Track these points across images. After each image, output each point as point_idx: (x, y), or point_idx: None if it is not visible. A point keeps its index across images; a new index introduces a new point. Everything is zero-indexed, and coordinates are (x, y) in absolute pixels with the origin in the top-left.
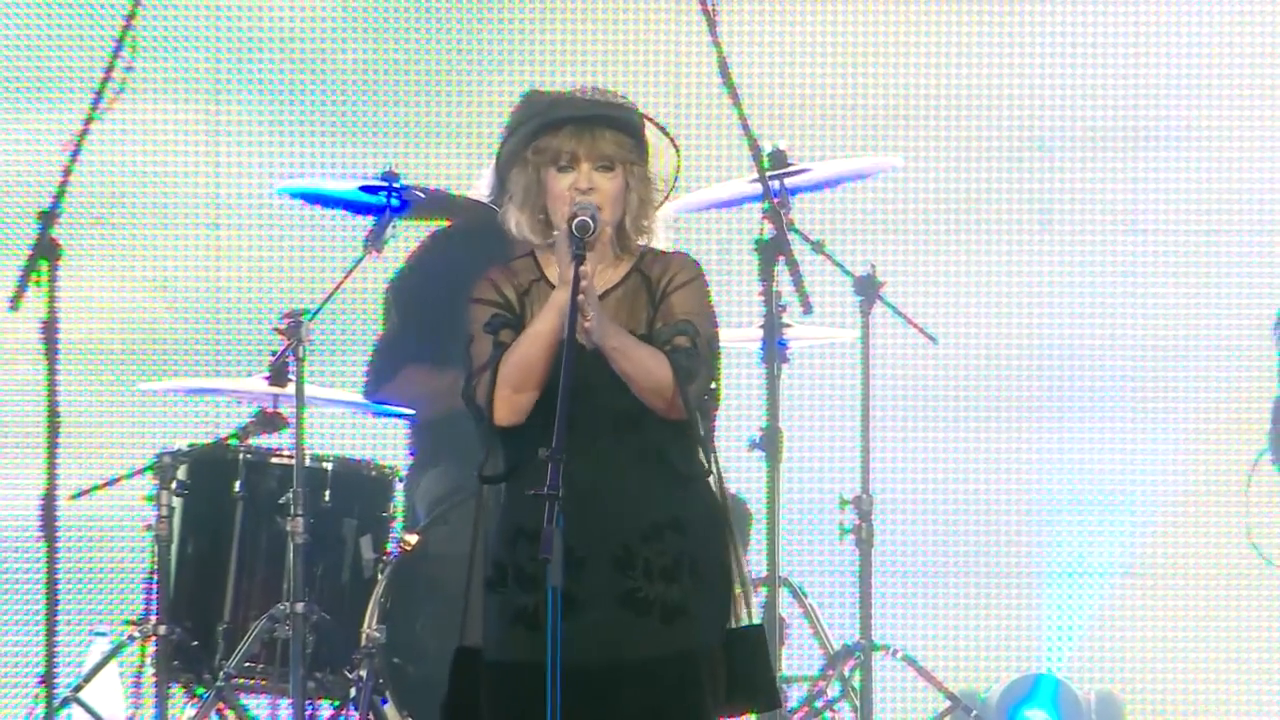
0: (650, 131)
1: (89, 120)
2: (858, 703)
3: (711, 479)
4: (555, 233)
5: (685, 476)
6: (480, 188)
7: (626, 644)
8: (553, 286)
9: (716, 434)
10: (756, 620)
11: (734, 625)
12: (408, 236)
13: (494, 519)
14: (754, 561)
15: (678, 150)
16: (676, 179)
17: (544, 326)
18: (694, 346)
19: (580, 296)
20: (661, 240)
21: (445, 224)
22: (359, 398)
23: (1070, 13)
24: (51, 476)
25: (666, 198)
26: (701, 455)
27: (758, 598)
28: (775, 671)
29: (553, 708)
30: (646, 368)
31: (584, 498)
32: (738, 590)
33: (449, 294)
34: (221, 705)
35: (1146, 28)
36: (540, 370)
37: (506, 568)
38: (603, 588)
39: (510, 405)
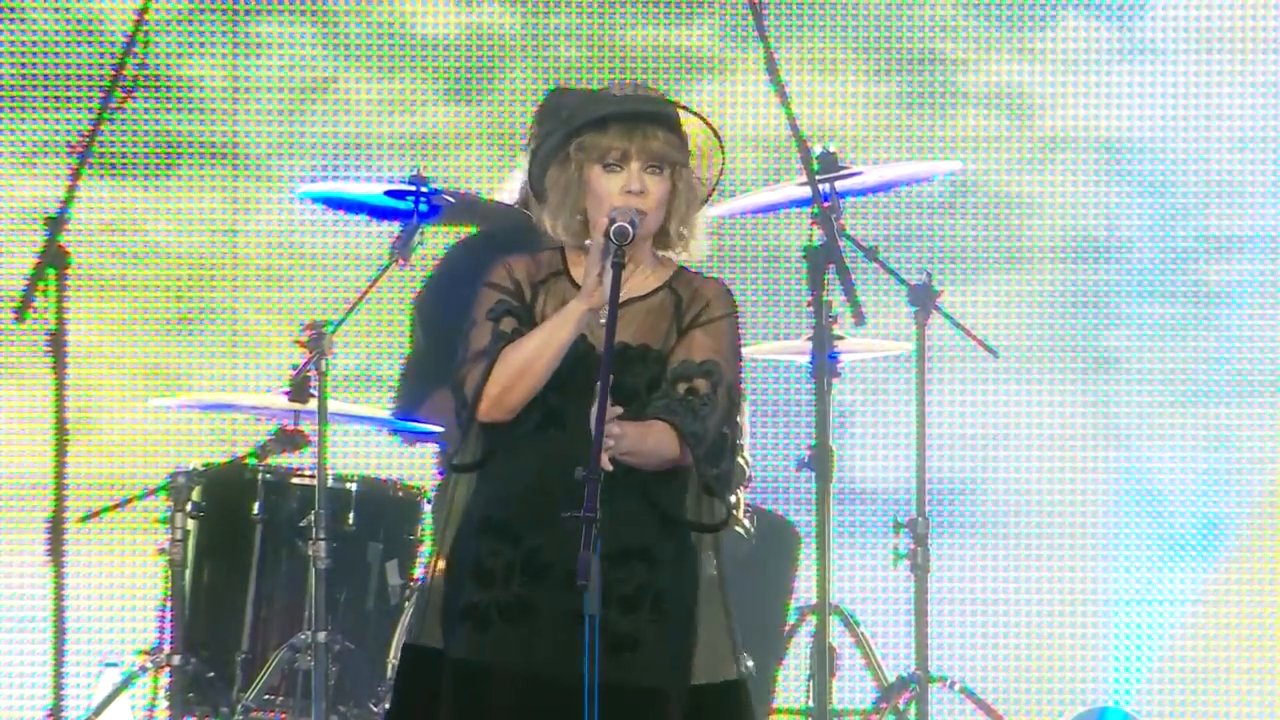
0: (694, 128)
1: (99, 122)
2: None
3: (726, 525)
4: (588, 242)
5: (668, 514)
6: (508, 191)
7: (571, 662)
8: (574, 284)
9: (764, 453)
10: (740, 677)
11: (708, 678)
12: (435, 244)
13: (459, 509)
14: (803, 588)
15: (723, 148)
16: (719, 181)
17: (558, 336)
18: (713, 393)
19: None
20: (701, 248)
21: (473, 230)
22: (384, 414)
23: (1136, 14)
24: (59, 497)
25: (707, 200)
26: (710, 507)
27: (807, 625)
28: None
29: None
30: (658, 456)
31: (562, 506)
32: (720, 639)
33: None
34: None
35: (1207, 28)
36: (539, 376)
37: (465, 562)
38: (559, 600)
39: (495, 404)
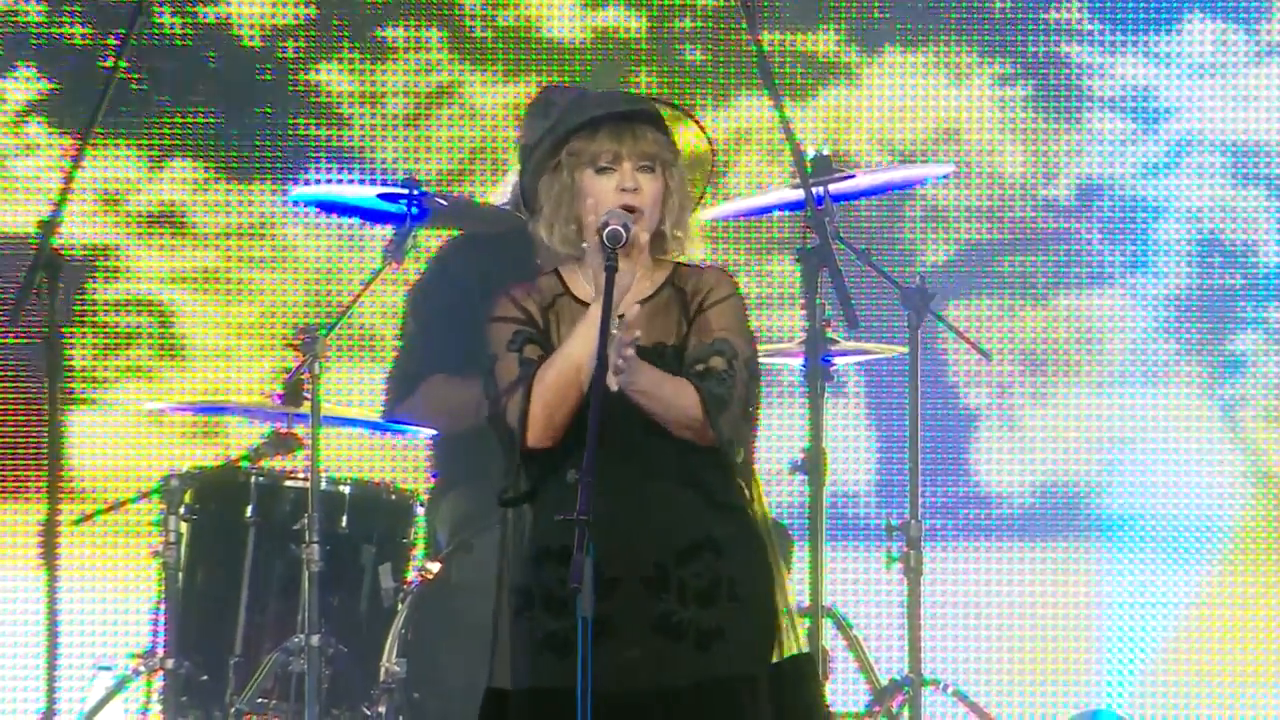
0: (685, 131)
1: (91, 125)
2: None
3: (753, 506)
4: (584, 245)
5: (720, 499)
6: (501, 193)
7: (661, 671)
8: (579, 302)
9: (757, 456)
10: (805, 649)
11: (780, 655)
12: (426, 246)
13: (518, 542)
14: (796, 591)
15: (713, 149)
16: (710, 182)
17: (580, 348)
18: (730, 369)
19: (613, 331)
20: (696, 249)
21: (467, 231)
22: (377, 417)
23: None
24: (53, 500)
25: (700, 201)
26: (740, 482)
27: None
28: (826, 707)
29: None
30: (675, 405)
31: (615, 518)
32: (784, 619)
33: (471, 302)
34: None
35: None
36: (577, 392)
37: (533, 591)
38: (635, 611)
39: (544, 427)
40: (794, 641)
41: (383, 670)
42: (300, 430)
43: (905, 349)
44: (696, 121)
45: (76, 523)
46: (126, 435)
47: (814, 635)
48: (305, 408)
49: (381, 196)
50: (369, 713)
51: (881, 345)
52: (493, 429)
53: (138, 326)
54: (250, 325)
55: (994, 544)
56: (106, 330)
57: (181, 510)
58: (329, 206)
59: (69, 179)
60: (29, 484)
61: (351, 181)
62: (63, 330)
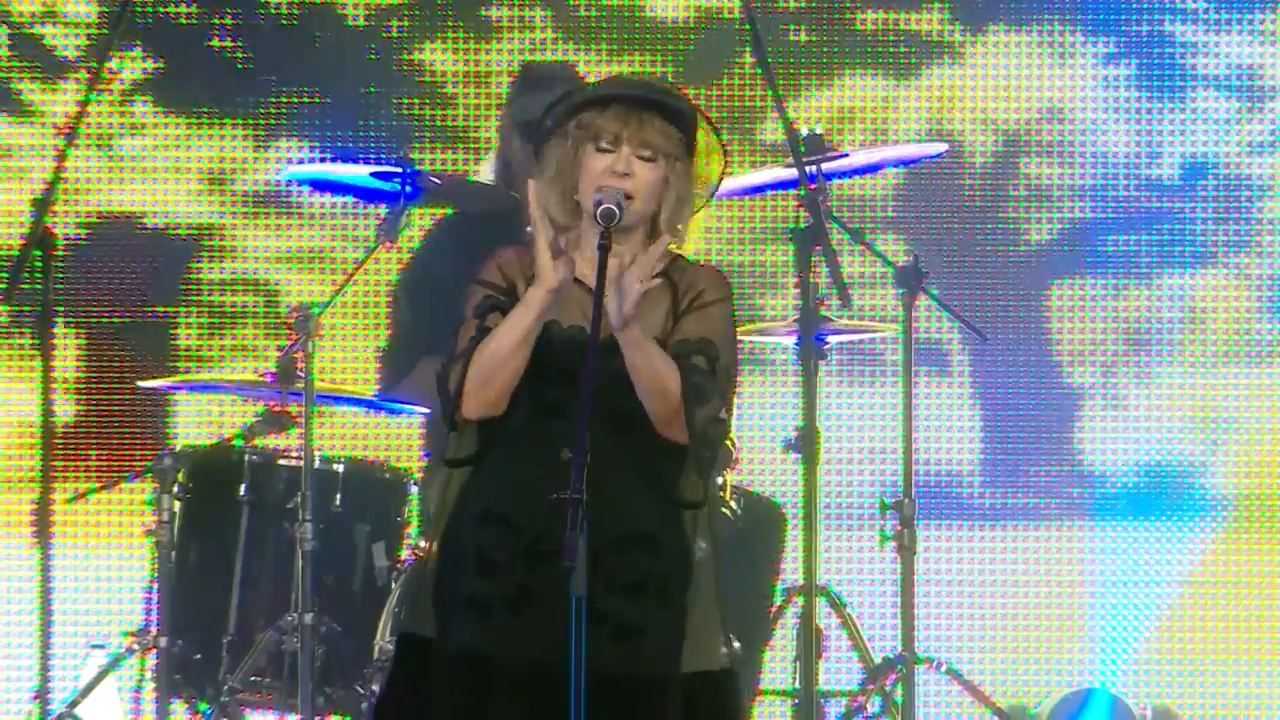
0: (699, 131)
1: (86, 102)
2: (900, 719)
3: (708, 513)
4: (579, 223)
5: (670, 499)
6: (487, 171)
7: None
8: (576, 280)
9: (750, 435)
10: (728, 668)
11: (699, 667)
12: (421, 225)
13: (452, 499)
14: (790, 569)
15: (726, 156)
16: (718, 186)
17: (521, 325)
18: (711, 370)
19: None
20: (689, 247)
21: (459, 209)
22: (371, 396)
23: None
24: (46, 479)
25: (706, 204)
26: (698, 485)
27: (794, 607)
28: None
29: (576, 715)
30: (657, 368)
31: (562, 492)
32: (711, 632)
33: (462, 280)
34: None
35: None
36: (513, 368)
37: (466, 550)
38: (560, 589)
39: (478, 400)
40: (718, 658)
41: (376, 649)
42: (294, 409)
43: (899, 327)
44: (713, 125)
45: (70, 501)
46: (120, 414)
47: (808, 614)
48: (299, 386)
49: (375, 175)
50: (362, 691)
51: (875, 324)
52: (438, 390)
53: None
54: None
55: (988, 522)
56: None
57: (175, 489)
58: (323, 185)
59: (62, 156)
60: (22, 462)
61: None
62: (55, 309)
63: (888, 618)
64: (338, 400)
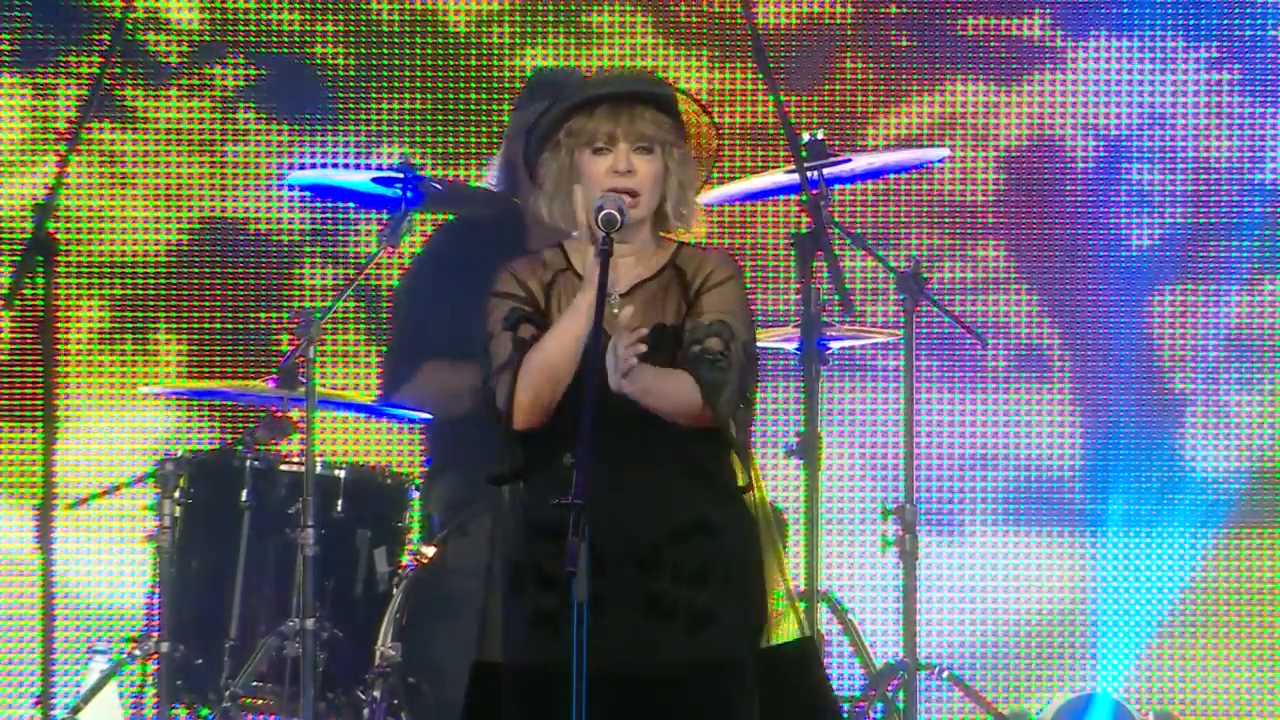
0: (686, 109)
1: (87, 109)
2: None
3: (750, 490)
4: (575, 234)
5: (716, 482)
6: (490, 176)
7: (652, 651)
8: (580, 278)
9: (753, 440)
10: (805, 634)
11: (774, 640)
12: (420, 230)
13: (511, 519)
14: (791, 575)
15: (715, 128)
16: (714, 161)
17: (569, 329)
18: (727, 350)
19: (614, 309)
20: (700, 228)
21: (461, 215)
22: (373, 401)
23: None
24: (48, 484)
25: (706, 182)
26: (737, 466)
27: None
28: (830, 692)
29: (578, 716)
30: (672, 400)
31: (609, 496)
32: (780, 603)
33: (465, 286)
34: None
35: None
36: (563, 375)
37: (526, 568)
38: (627, 590)
39: (530, 410)
40: (792, 626)
41: (378, 654)
42: (295, 414)
43: (900, 333)
44: (697, 101)
45: (72, 506)
46: (122, 419)
47: (810, 620)
48: (300, 392)
49: (376, 180)
50: (364, 697)
51: (876, 330)
52: (484, 408)
53: (133, 313)
54: (245, 310)
55: (990, 528)
56: (102, 315)
57: (176, 494)
58: (324, 191)
59: (64, 162)
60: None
61: (348, 166)
62: (57, 313)
63: (890, 623)
64: (339, 406)
